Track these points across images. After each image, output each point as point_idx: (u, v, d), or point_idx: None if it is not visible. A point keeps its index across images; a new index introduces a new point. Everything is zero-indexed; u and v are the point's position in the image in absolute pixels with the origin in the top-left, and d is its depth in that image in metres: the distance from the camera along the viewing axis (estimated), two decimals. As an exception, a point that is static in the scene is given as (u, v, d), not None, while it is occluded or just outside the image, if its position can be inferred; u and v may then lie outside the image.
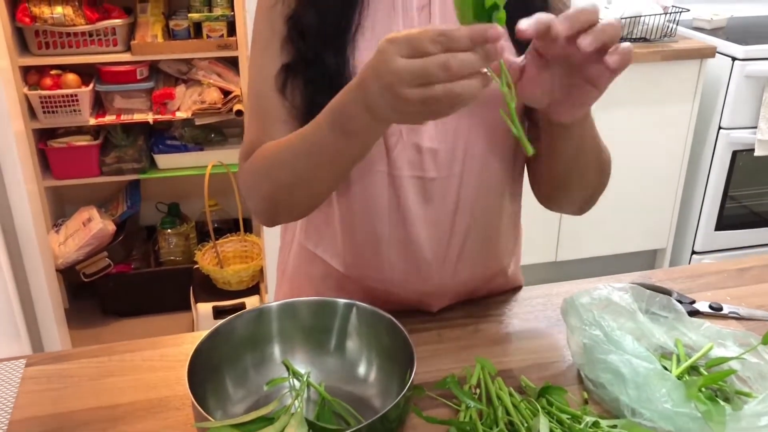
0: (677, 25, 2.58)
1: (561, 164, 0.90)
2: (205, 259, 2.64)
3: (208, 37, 2.66)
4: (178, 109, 2.71)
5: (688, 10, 2.60)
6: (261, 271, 2.63)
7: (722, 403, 0.79)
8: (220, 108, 2.68)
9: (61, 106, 2.56)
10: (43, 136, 2.66)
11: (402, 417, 0.76)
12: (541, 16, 0.65)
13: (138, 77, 2.66)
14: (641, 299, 0.95)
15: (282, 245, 1.12)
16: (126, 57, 2.62)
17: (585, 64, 0.69)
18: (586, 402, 0.85)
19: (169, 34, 2.69)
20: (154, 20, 2.67)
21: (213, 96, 2.69)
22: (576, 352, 0.88)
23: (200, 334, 0.82)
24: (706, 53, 2.51)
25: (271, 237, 2.19)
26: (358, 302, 0.86)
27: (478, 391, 0.84)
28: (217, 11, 2.67)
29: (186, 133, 2.80)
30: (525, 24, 0.65)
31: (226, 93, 2.71)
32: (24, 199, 2.01)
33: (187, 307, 2.70)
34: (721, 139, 2.64)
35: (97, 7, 2.61)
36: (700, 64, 2.52)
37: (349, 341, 0.87)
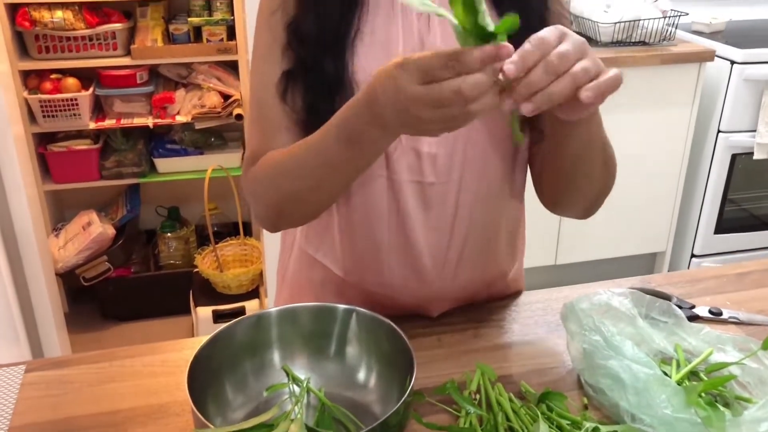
0: (676, 28, 2.58)
1: (568, 163, 0.90)
2: (204, 263, 2.64)
3: (207, 41, 2.67)
4: (178, 113, 2.71)
5: (687, 14, 2.60)
6: (261, 275, 2.63)
7: (722, 408, 0.79)
8: (219, 112, 2.68)
9: (61, 110, 2.56)
10: (42, 140, 2.66)
11: (402, 423, 0.76)
12: (525, 57, 0.65)
13: (138, 81, 2.67)
14: (641, 304, 0.95)
15: (282, 250, 1.12)
16: (126, 61, 2.62)
17: None
18: (586, 407, 0.85)
19: (169, 38, 2.69)
20: (153, 24, 2.68)
21: (213, 100, 2.69)
22: (576, 357, 0.88)
23: (200, 340, 0.82)
24: (705, 57, 2.52)
25: (271, 241, 2.19)
26: (357, 308, 0.86)
27: (478, 396, 0.84)
28: (217, 15, 2.67)
29: (186, 137, 2.80)
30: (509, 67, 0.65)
31: (225, 97, 2.72)
32: (24, 203, 2.01)
33: (186, 311, 2.70)
34: (720, 143, 2.65)
35: (97, 11, 2.61)
36: (699, 67, 2.53)
37: (348, 347, 0.87)
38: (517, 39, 0.81)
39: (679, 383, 0.84)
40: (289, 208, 0.91)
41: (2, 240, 1.97)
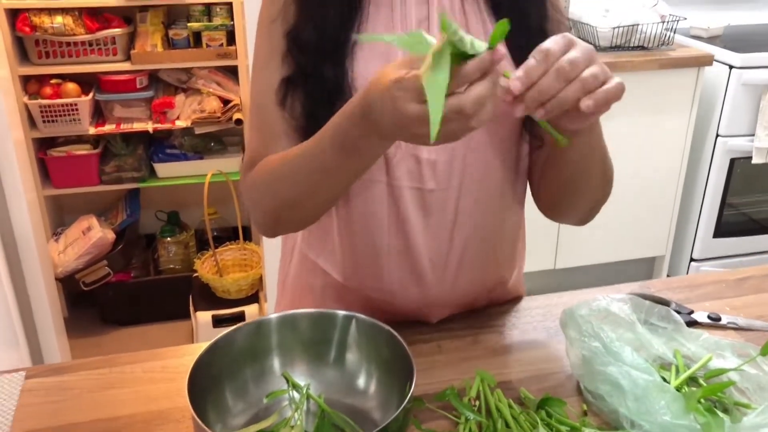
0: (675, 33, 2.59)
1: (568, 170, 0.90)
2: (204, 268, 2.64)
3: (207, 46, 2.68)
4: (178, 118, 2.71)
5: (686, 19, 2.61)
6: (260, 280, 2.63)
7: (721, 414, 0.79)
8: (219, 117, 2.68)
9: (60, 116, 2.56)
10: (42, 145, 2.66)
11: (402, 429, 0.76)
12: (530, 71, 0.66)
13: (138, 86, 2.67)
14: (640, 310, 0.95)
15: (283, 255, 1.12)
16: (126, 66, 2.63)
17: None
18: (585, 414, 0.85)
19: (169, 43, 2.69)
20: (153, 30, 2.68)
21: (212, 105, 2.69)
22: (575, 363, 0.89)
23: (200, 346, 0.82)
24: (704, 61, 2.52)
25: (271, 245, 2.19)
26: (357, 314, 0.86)
27: (477, 403, 0.84)
28: (217, 21, 2.68)
29: (185, 141, 2.80)
30: (514, 84, 0.67)
31: (225, 102, 2.72)
32: (23, 208, 2.01)
33: (186, 316, 2.70)
34: (719, 147, 2.65)
35: (97, 16, 2.62)
36: (697, 72, 2.53)
37: (348, 353, 0.87)
38: (516, 45, 0.81)
39: (678, 389, 0.84)
40: (286, 213, 0.91)
41: (2, 245, 1.97)
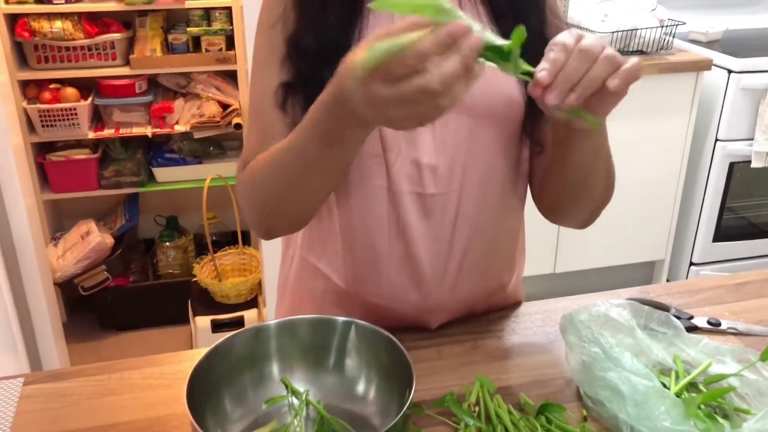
0: (673, 38, 2.59)
1: (575, 173, 0.90)
2: (203, 272, 2.63)
3: (206, 51, 2.68)
4: (177, 123, 2.71)
5: (684, 23, 2.61)
6: (259, 284, 2.63)
7: (721, 420, 0.79)
8: (218, 121, 2.68)
9: (59, 120, 2.56)
10: (41, 150, 2.66)
11: (401, 436, 0.76)
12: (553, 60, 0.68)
13: (137, 91, 2.67)
14: (639, 315, 0.95)
15: (283, 260, 1.12)
16: (125, 71, 2.63)
17: None
18: (585, 419, 0.85)
19: (168, 48, 2.70)
20: (152, 34, 2.68)
21: (212, 109, 2.69)
22: (575, 369, 0.88)
23: (199, 352, 0.82)
24: (703, 66, 2.52)
25: (270, 250, 2.19)
26: (356, 320, 0.86)
27: (477, 408, 0.84)
28: (216, 25, 2.68)
29: (184, 146, 2.80)
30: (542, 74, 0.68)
31: (224, 106, 2.72)
32: (22, 212, 2.01)
33: (185, 321, 2.69)
34: (718, 151, 2.65)
35: (96, 21, 2.62)
36: (696, 76, 2.54)
37: (347, 359, 0.87)
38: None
39: (678, 395, 0.84)
40: (275, 210, 0.90)
41: (1, 249, 1.97)
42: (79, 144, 2.70)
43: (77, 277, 2.61)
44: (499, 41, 0.65)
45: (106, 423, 0.85)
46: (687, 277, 2.85)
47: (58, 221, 2.91)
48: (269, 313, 2.38)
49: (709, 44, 2.76)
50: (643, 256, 2.84)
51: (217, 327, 2.51)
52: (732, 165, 2.67)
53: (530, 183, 1.03)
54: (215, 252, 2.64)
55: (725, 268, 2.82)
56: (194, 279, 2.66)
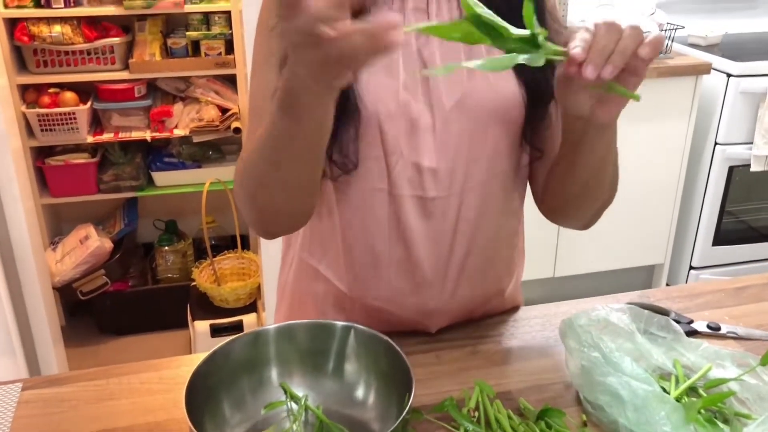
0: (673, 42, 2.59)
1: (587, 172, 0.91)
2: (202, 277, 2.63)
3: (206, 55, 2.68)
4: (176, 127, 2.71)
5: (683, 27, 2.62)
6: (258, 289, 2.62)
7: (721, 425, 0.79)
8: (217, 125, 2.68)
9: (58, 124, 2.56)
10: (40, 154, 2.66)
11: (400, 441, 0.75)
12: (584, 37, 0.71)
13: (136, 95, 2.67)
14: (639, 320, 0.94)
15: (283, 263, 1.12)
16: (124, 75, 2.63)
17: None
18: (585, 424, 0.85)
19: (167, 52, 2.70)
20: (152, 38, 2.69)
21: (211, 113, 2.69)
22: (575, 373, 0.88)
23: (198, 357, 0.82)
24: (702, 70, 2.53)
25: (269, 254, 2.19)
26: (355, 324, 0.86)
27: (476, 414, 0.84)
28: (215, 29, 2.68)
29: (183, 150, 2.80)
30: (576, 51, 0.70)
31: (224, 110, 2.72)
32: (21, 216, 2.01)
33: (184, 325, 2.69)
34: (718, 155, 2.66)
35: (96, 25, 2.62)
36: (695, 80, 2.54)
37: (347, 364, 0.87)
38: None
39: (678, 399, 0.83)
40: (261, 197, 0.88)
41: (-1, 254, 1.97)
42: (78, 148, 2.69)
43: (76, 282, 2.61)
44: (517, 31, 0.67)
45: (104, 428, 0.85)
46: (687, 281, 2.85)
47: (57, 225, 2.91)
48: (268, 318, 2.37)
49: (708, 48, 2.77)
50: (643, 260, 2.84)
51: (216, 331, 2.50)
52: (731, 169, 2.67)
53: (531, 187, 1.03)
54: (214, 256, 2.64)
55: (725, 272, 2.82)
56: (193, 283, 2.65)
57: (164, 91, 2.80)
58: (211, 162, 2.84)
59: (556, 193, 0.98)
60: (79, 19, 2.56)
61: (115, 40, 2.59)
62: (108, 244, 2.66)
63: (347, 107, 0.87)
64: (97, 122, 2.72)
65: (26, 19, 2.49)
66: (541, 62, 0.69)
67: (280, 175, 0.84)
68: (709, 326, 1.03)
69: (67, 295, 2.65)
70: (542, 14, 0.93)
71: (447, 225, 0.94)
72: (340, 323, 0.87)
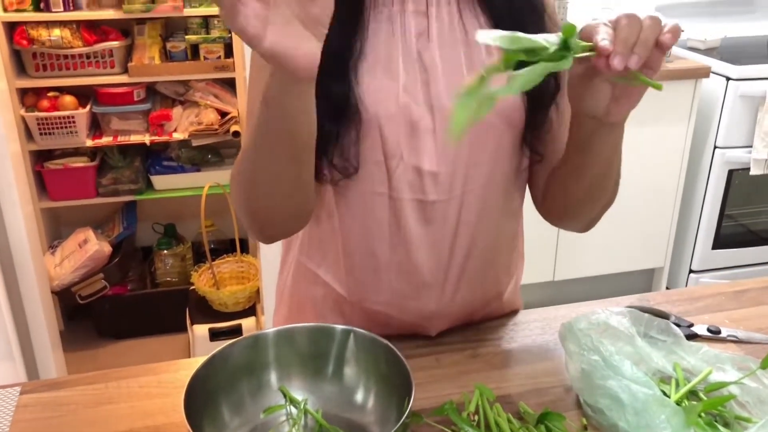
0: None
1: (593, 173, 0.91)
2: (201, 281, 2.63)
3: (205, 58, 2.68)
4: (175, 131, 2.71)
5: (683, 31, 2.61)
6: (257, 293, 2.62)
7: (722, 429, 0.78)
8: (217, 129, 2.68)
9: (57, 128, 2.56)
10: (39, 158, 2.66)
11: (400, 445, 0.75)
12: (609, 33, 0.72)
13: (135, 99, 2.67)
14: (639, 323, 0.94)
15: (282, 267, 1.11)
16: (123, 79, 2.63)
17: None
18: (585, 428, 0.85)
19: (167, 55, 2.70)
20: (151, 42, 2.69)
21: (210, 117, 2.69)
22: (575, 377, 0.88)
23: (197, 361, 0.81)
24: (701, 73, 2.53)
25: (268, 258, 2.19)
26: (355, 328, 0.86)
27: (476, 417, 0.84)
28: (215, 33, 2.68)
29: (183, 154, 2.80)
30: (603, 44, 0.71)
31: (223, 114, 2.72)
32: (20, 220, 2.00)
33: (183, 329, 2.68)
34: (717, 159, 2.66)
35: (95, 29, 2.62)
36: (694, 84, 2.54)
37: (346, 367, 0.87)
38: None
39: (678, 403, 0.83)
40: (254, 198, 0.87)
41: (-2, 258, 1.96)
42: (77, 152, 2.69)
43: (75, 286, 2.60)
44: (548, 40, 0.69)
45: (102, 432, 0.84)
46: (686, 285, 2.85)
47: (56, 229, 2.90)
48: (267, 322, 2.37)
49: (708, 52, 2.77)
50: (643, 263, 2.84)
51: (215, 335, 2.50)
52: (731, 172, 2.67)
53: (531, 190, 1.03)
54: (213, 260, 2.64)
55: (724, 276, 2.82)
56: (192, 287, 2.65)
57: (163, 95, 2.80)
58: (210, 166, 2.83)
59: (558, 195, 0.98)
60: (79, 23, 2.56)
61: (115, 43, 2.60)
62: (107, 248, 2.65)
63: (348, 110, 0.87)
64: (96, 126, 2.72)
65: (25, 23, 2.49)
66: (568, 65, 0.70)
67: (270, 172, 0.83)
68: (709, 329, 1.03)
69: (65, 299, 2.65)
70: (542, 18, 0.93)
71: (447, 228, 0.94)
72: (339, 327, 0.87)
